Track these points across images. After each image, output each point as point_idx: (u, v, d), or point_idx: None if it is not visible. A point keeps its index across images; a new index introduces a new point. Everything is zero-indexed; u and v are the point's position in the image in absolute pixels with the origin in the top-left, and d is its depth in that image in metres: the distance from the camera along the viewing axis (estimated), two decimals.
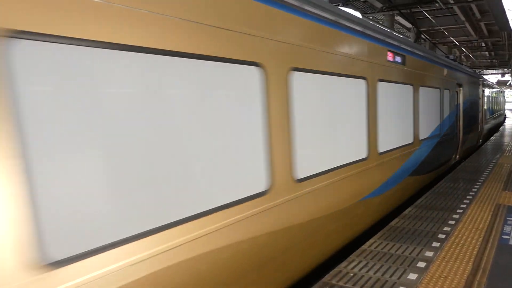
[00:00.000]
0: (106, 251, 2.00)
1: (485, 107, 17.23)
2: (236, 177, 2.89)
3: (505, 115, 39.95)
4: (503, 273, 3.63)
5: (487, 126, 18.36)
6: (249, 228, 2.99)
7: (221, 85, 2.77)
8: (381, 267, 3.84)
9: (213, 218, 2.66)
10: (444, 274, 3.62)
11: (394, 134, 6.01)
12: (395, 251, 4.23)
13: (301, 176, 3.63)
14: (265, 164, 3.18)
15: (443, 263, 3.86)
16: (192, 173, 2.52)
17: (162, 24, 2.29)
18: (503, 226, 4.95)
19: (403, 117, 6.44)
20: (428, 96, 7.79)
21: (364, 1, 18.09)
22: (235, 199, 2.87)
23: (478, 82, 14.57)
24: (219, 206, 2.72)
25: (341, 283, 3.52)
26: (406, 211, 5.74)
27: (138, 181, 2.19)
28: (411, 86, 6.70)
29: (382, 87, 5.44)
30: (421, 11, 19.12)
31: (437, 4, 17.40)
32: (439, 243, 4.40)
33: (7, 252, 1.59)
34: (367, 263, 3.95)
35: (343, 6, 18.60)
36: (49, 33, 1.76)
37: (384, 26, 20.45)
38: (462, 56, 39.42)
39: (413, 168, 6.91)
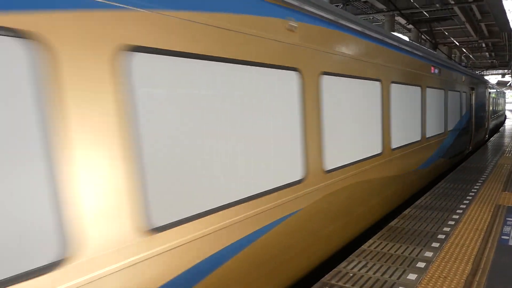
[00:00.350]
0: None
1: (490, 108, 19.70)
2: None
3: (505, 116, 39.94)
4: (503, 273, 3.64)
5: (492, 123, 21.12)
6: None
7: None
8: (380, 267, 3.85)
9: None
10: (444, 274, 3.63)
11: (433, 125, 8.27)
12: (395, 251, 4.23)
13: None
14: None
15: (443, 263, 3.86)
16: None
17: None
18: (502, 226, 4.96)
19: (438, 113, 8.59)
20: (453, 98, 10.02)
21: (364, 2, 18.08)
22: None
23: (485, 86, 17.00)
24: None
25: (340, 283, 3.53)
26: (406, 212, 5.74)
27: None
28: (442, 90, 8.96)
29: (428, 92, 7.77)
30: (422, 12, 19.12)
31: (437, 5, 17.41)
32: (438, 244, 4.40)
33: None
34: (367, 263, 3.96)
35: (343, 6, 18.61)
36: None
37: (384, 27, 20.49)
38: (463, 57, 39.45)
39: (442, 152, 9.19)
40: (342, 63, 4.47)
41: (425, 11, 18.77)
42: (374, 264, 3.92)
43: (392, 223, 5.25)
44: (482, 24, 23.66)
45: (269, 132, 3.30)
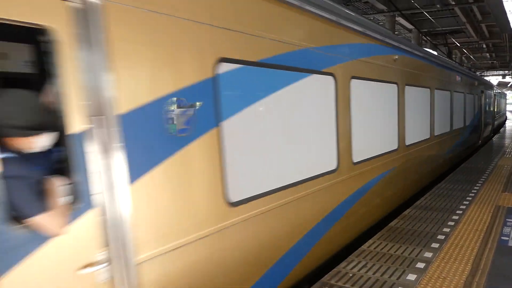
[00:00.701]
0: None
1: (495, 109, 22.99)
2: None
3: (506, 117, 39.97)
4: (502, 274, 3.64)
5: (496, 122, 24.31)
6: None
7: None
8: (380, 267, 3.85)
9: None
10: (443, 275, 3.63)
11: (457, 120, 10.73)
12: (394, 252, 4.23)
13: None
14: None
15: (442, 264, 3.86)
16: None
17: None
18: (502, 227, 4.96)
19: (459, 112, 11.06)
20: (469, 99, 12.62)
21: (365, 2, 18.07)
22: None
23: (492, 88, 20.30)
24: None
25: (340, 283, 3.53)
26: (406, 212, 5.74)
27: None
28: (462, 94, 11.45)
29: (454, 95, 10.26)
30: (422, 12, 19.09)
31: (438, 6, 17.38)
32: (438, 244, 4.40)
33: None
34: (366, 263, 3.96)
35: (344, 6, 18.54)
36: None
37: (385, 27, 20.37)
38: (463, 58, 39.38)
39: (460, 143, 11.47)
40: (419, 78, 7.40)
41: (425, 12, 18.75)
42: (374, 264, 3.92)
43: (392, 223, 5.25)
44: (483, 25, 23.62)
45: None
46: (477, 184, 7.50)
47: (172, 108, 2.41)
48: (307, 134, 3.92)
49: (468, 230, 4.87)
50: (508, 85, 52.74)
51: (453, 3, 17.75)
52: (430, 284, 3.45)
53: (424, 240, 4.56)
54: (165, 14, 2.35)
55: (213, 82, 2.71)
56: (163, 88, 2.35)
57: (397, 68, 6.12)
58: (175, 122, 2.43)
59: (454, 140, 10.49)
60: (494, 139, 17.21)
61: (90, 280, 2.02)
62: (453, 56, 34.87)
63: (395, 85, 6.10)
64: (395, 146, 6.14)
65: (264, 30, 3.23)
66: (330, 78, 4.24)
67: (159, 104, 2.33)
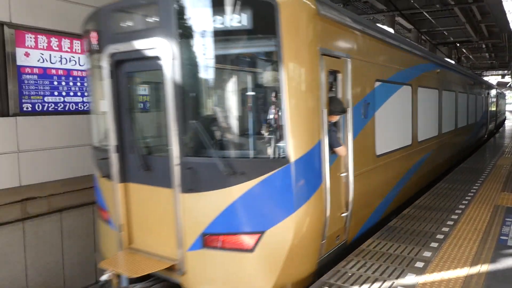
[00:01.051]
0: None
1: (498, 108, 26.95)
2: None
3: (505, 117, 40.11)
4: (501, 273, 3.64)
5: (498, 119, 28.18)
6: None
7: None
8: (379, 267, 3.85)
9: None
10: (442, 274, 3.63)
11: (472, 116, 13.52)
12: (394, 251, 4.24)
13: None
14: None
15: (441, 263, 3.86)
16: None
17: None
18: (501, 227, 4.96)
19: (473, 109, 13.87)
20: (480, 100, 15.89)
21: (365, 2, 18.06)
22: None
23: (495, 90, 24.49)
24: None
25: (339, 283, 3.53)
26: (405, 212, 5.75)
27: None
28: (474, 95, 14.31)
29: (470, 97, 13.15)
30: (422, 12, 19.06)
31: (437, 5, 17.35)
32: (437, 244, 4.41)
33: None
34: (366, 262, 3.96)
35: (344, 6, 18.53)
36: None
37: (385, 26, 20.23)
38: (462, 58, 39.27)
39: (474, 133, 14.49)
40: (450, 85, 10.19)
41: (425, 12, 18.74)
42: (373, 264, 3.92)
43: (391, 223, 5.25)
44: (482, 25, 23.57)
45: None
46: (476, 184, 7.51)
47: (363, 105, 4.72)
48: (403, 120, 6.49)
49: (467, 229, 4.88)
50: (507, 85, 52.72)
51: (453, 3, 17.70)
52: (429, 283, 3.45)
53: (423, 239, 4.57)
54: (365, 61, 4.85)
55: (373, 92, 5.01)
56: (363, 95, 4.71)
57: (438, 78, 8.74)
58: (363, 111, 4.72)
59: (469, 131, 13.36)
60: (493, 138, 17.31)
61: (345, 179, 4.27)
62: (453, 56, 34.82)
63: (436, 91, 8.62)
64: (436, 133, 8.57)
65: (390, 62, 5.78)
66: (409, 87, 6.66)
67: (361, 103, 4.63)
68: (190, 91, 3.65)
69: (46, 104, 5.57)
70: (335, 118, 4.01)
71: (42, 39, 5.45)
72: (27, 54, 5.30)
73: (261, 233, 3.29)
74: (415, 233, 4.81)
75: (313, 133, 3.51)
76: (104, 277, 3.62)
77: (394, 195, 5.94)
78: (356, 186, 4.33)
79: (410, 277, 3.60)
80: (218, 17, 3.29)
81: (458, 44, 18.61)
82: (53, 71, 5.63)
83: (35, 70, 5.42)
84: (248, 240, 3.32)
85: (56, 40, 5.60)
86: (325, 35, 3.80)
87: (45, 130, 5.46)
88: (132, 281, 3.78)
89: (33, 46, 5.36)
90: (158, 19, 3.49)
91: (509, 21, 11.77)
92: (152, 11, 3.54)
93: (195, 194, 3.43)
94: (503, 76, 50.10)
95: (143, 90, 4.95)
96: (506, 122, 34.45)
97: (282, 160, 3.33)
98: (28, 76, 5.34)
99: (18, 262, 5.32)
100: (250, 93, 4.28)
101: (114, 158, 3.91)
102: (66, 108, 5.80)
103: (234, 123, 4.02)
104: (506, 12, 10.61)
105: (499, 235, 4.65)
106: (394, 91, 5.87)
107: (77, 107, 5.92)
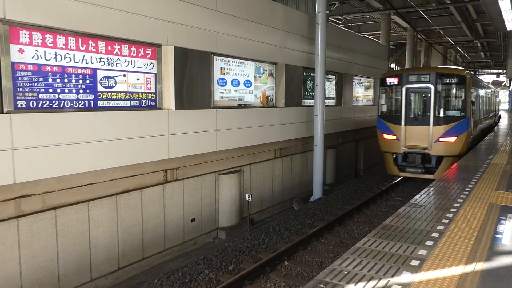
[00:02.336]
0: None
1: (500, 105, 36.30)
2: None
3: (499, 115, 40.43)
4: (496, 272, 3.66)
5: (499, 113, 34.77)
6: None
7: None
8: (375, 265, 3.86)
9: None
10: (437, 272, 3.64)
11: (494, 108, 23.29)
12: (389, 249, 4.25)
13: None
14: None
15: (436, 262, 3.88)
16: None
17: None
18: (496, 225, 4.99)
19: (494, 104, 23.91)
20: (495, 99, 24.07)
21: (361, 0, 18.06)
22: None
23: (495, 91, 29.53)
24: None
25: (335, 281, 3.53)
26: (401, 210, 5.77)
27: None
28: (495, 97, 24.88)
29: (494, 98, 24.31)
30: (418, 11, 19.10)
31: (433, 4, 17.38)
32: (432, 242, 4.42)
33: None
34: (361, 261, 3.97)
35: (340, 5, 18.45)
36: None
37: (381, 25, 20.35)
38: (458, 56, 39.40)
39: (492, 120, 21.40)
40: (489, 91, 19.71)
41: (421, 10, 18.78)
42: (369, 262, 3.93)
43: (387, 221, 5.27)
44: (478, 24, 23.63)
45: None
46: (471, 182, 7.55)
47: (476, 101, 13.59)
48: (485, 106, 16.38)
49: (462, 228, 4.90)
50: (502, 84, 53.05)
51: (449, 1, 17.73)
52: (424, 282, 3.46)
53: (418, 237, 4.58)
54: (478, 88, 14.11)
55: (478, 97, 14.36)
56: (476, 99, 13.69)
57: (488, 93, 17.29)
58: (476, 104, 13.67)
59: (491, 119, 20.53)
60: (487, 137, 17.53)
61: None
62: (448, 55, 34.90)
63: (489, 97, 17.10)
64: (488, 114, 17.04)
65: (485, 88, 16.79)
66: (483, 97, 15.29)
67: (477, 102, 13.93)
68: (437, 100, 11.40)
69: (41, 101, 5.53)
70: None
71: (37, 36, 5.40)
72: (21, 51, 5.25)
73: (458, 136, 11.04)
74: (411, 231, 4.83)
75: (469, 111, 11.39)
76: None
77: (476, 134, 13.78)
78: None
79: (405, 275, 3.61)
80: (445, 79, 11.43)
81: (453, 43, 19.30)
82: (48, 68, 5.59)
83: (30, 67, 5.38)
84: (453, 139, 11.08)
85: (51, 36, 5.55)
86: (472, 84, 11.84)
87: (40, 127, 5.43)
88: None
89: (27, 43, 5.32)
90: (428, 79, 11.31)
91: (505, 20, 11.84)
92: (426, 76, 11.34)
93: (437, 127, 11.20)
94: (498, 75, 50.33)
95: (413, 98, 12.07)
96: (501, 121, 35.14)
97: (463, 116, 11.26)
98: (22, 73, 5.30)
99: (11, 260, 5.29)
100: (453, 98, 11.88)
101: (402, 118, 11.60)
102: (61, 106, 5.76)
103: (452, 107, 11.79)
104: (502, 11, 10.66)
105: (493, 234, 4.68)
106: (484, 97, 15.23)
107: (72, 104, 5.88)
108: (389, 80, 11.89)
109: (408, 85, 11.43)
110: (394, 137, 11.59)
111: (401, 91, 11.51)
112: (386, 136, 11.82)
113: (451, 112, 11.52)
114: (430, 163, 11.36)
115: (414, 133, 11.36)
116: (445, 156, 11.15)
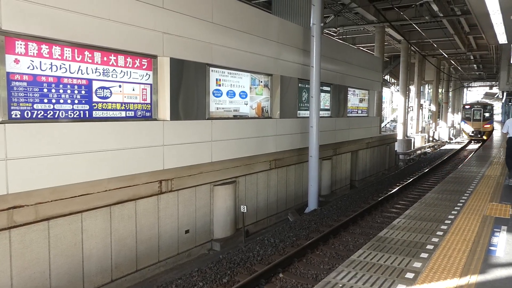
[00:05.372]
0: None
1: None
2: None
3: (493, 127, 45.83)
4: (490, 284, 3.66)
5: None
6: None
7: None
8: (370, 277, 3.85)
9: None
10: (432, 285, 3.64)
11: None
12: (384, 262, 4.24)
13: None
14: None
15: (431, 274, 3.88)
16: None
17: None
18: (490, 237, 5.01)
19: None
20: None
21: (355, 13, 18.29)
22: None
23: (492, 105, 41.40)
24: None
25: None
26: (395, 222, 5.77)
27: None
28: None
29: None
30: (411, 24, 19.34)
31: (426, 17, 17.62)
32: (427, 254, 4.43)
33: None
34: (356, 273, 3.96)
35: (334, 17, 18.64)
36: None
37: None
38: (451, 69, 39.86)
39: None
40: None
41: (414, 23, 19.03)
42: (364, 275, 3.92)
43: (382, 233, 5.27)
44: (470, 37, 23.95)
45: None
46: (465, 194, 7.58)
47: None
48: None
49: (457, 240, 4.91)
50: (495, 96, 53.62)
51: (441, 15, 17.99)
52: None
53: (413, 250, 4.59)
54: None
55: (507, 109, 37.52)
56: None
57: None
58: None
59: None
60: (481, 149, 17.61)
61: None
62: (442, 67, 35.31)
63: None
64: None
65: None
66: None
67: (503, 114, 39.61)
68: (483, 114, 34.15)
69: (36, 112, 5.51)
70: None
71: (33, 46, 5.41)
72: (16, 61, 5.25)
73: (490, 125, 33.46)
74: (405, 243, 4.84)
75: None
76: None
77: None
78: None
79: None
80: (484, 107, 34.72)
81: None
82: (43, 78, 5.58)
83: (25, 77, 5.37)
84: (488, 126, 33.47)
85: (47, 47, 5.56)
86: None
87: (34, 138, 5.41)
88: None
89: (23, 53, 5.32)
90: (480, 107, 33.91)
91: (496, 34, 12.02)
92: (479, 105, 34.41)
93: (483, 122, 33.79)
94: (490, 87, 50.90)
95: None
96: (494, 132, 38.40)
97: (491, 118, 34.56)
98: (17, 83, 5.29)
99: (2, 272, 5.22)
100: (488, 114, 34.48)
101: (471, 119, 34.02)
102: (56, 116, 5.74)
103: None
104: (493, 24, 10.84)
105: (488, 246, 4.70)
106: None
107: (67, 114, 5.87)
108: (466, 106, 35.03)
109: (473, 108, 33.45)
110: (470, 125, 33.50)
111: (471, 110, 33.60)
112: (465, 126, 33.84)
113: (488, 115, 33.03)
114: (481, 136, 32.05)
115: (475, 124, 33.00)
116: (485, 132, 31.96)
